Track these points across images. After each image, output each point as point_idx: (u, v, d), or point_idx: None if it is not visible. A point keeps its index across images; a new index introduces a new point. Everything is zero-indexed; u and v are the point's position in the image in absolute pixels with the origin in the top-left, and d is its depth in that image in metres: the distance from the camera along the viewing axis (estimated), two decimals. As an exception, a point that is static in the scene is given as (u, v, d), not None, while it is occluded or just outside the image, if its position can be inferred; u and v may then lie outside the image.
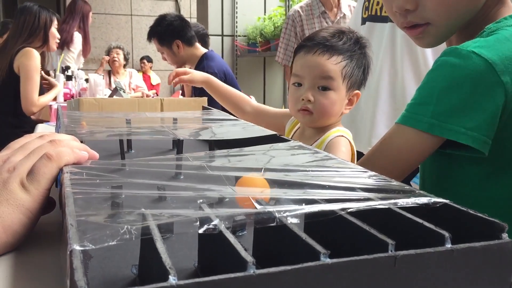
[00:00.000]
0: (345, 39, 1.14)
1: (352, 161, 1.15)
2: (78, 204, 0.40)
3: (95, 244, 0.32)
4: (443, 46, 0.99)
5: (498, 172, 0.88)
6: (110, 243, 0.33)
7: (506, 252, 0.37)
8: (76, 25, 4.29)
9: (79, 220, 0.36)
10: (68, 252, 0.31)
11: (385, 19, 1.68)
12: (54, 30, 2.82)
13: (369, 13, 1.73)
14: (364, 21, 1.76)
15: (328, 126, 1.19)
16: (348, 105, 1.18)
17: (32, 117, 2.74)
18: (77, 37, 4.28)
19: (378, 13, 1.70)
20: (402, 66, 1.64)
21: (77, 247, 0.31)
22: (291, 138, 1.27)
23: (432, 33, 0.90)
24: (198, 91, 2.64)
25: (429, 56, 1.62)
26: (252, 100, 1.52)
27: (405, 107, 0.90)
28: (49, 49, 2.86)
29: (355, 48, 1.15)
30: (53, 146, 0.55)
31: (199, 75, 1.51)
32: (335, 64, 1.11)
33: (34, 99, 2.64)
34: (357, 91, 1.17)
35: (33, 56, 2.63)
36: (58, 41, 2.95)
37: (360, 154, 1.67)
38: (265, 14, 4.92)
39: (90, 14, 4.50)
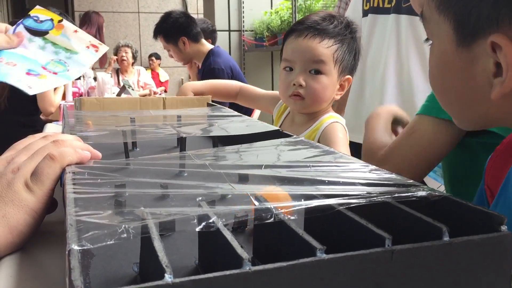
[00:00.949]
0: (336, 22, 1.13)
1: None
2: (78, 203, 0.41)
3: (93, 243, 0.33)
4: None
5: None
6: (108, 243, 0.33)
7: (505, 245, 0.36)
8: (93, 32, 4.36)
9: (79, 220, 0.36)
10: (67, 252, 0.32)
11: (387, 11, 1.66)
12: None
13: (371, 4, 1.71)
14: (366, 13, 1.75)
15: (318, 112, 1.18)
16: (339, 91, 1.16)
17: (42, 117, 2.76)
18: None
19: (380, 5, 1.68)
20: (408, 57, 1.62)
21: (75, 247, 0.32)
22: (280, 125, 1.27)
23: None
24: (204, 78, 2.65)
25: None
26: (238, 87, 1.53)
27: (425, 98, 0.88)
28: None
29: (346, 32, 1.13)
30: (56, 146, 0.56)
31: (189, 93, 1.48)
32: (326, 48, 1.10)
33: (52, 100, 2.65)
34: (348, 76, 1.15)
35: None
36: None
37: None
38: (271, 8, 4.90)
39: (104, 25, 4.57)
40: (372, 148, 0.94)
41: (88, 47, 0.95)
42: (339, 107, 1.96)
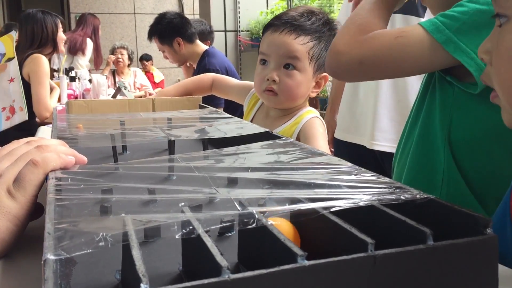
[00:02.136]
0: (314, 19, 1.11)
1: (329, 140, 1.13)
2: (58, 210, 0.40)
3: (69, 252, 0.32)
4: None
5: None
6: (86, 251, 0.32)
7: (491, 247, 0.36)
8: (89, 33, 4.36)
9: (57, 228, 0.36)
10: (42, 262, 0.31)
11: None
12: (61, 33, 2.82)
13: None
14: None
15: (295, 107, 1.16)
16: (315, 88, 1.15)
17: (37, 119, 2.75)
18: (89, 44, 4.34)
19: None
20: None
21: (51, 257, 0.31)
22: (252, 118, 1.26)
23: None
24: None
25: None
26: (210, 80, 1.48)
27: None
28: (58, 52, 2.87)
29: (324, 29, 1.12)
30: (39, 151, 0.55)
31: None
32: (301, 44, 1.09)
33: (47, 104, 2.65)
34: (324, 74, 1.14)
35: (42, 62, 2.63)
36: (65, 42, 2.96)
37: (362, 148, 1.66)
38: (267, 8, 4.90)
39: (100, 27, 4.57)
40: (360, 26, 0.89)
41: (3, 109, 0.94)
42: (332, 107, 1.95)
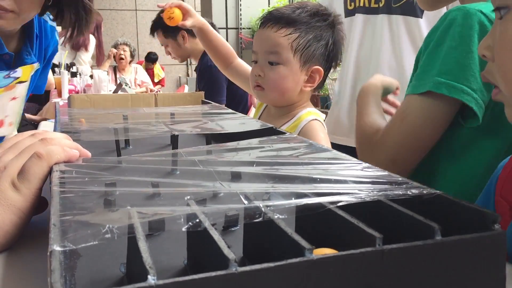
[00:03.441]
0: (300, 11, 1.08)
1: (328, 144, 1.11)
2: (63, 203, 0.40)
3: (76, 244, 0.32)
4: None
5: None
6: (92, 243, 0.32)
7: (499, 243, 0.36)
8: (91, 30, 4.35)
9: (63, 220, 0.36)
10: (48, 253, 0.31)
11: (375, 10, 1.66)
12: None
13: (356, 5, 1.71)
14: (351, 12, 1.71)
15: (293, 105, 1.14)
16: (308, 82, 1.11)
17: (35, 117, 2.74)
18: (92, 40, 4.34)
19: (367, 4, 1.68)
20: (401, 57, 1.61)
21: (57, 248, 0.31)
22: (260, 116, 1.25)
23: None
24: (201, 85, 2.64)
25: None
26: (237, 59, 1.48)
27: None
28: None
29: (311, 20, 1.08)
30: (43, 144, 0.55)
31: (194, 22, 1.41)
32: (283, 37, 1.06)
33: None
34: (317, 66, 1.10)
35: None
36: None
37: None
38: (269, 6, 4.89)
39: (102, 24, 4.55)
40: (366, 132, 0.92)
41: None
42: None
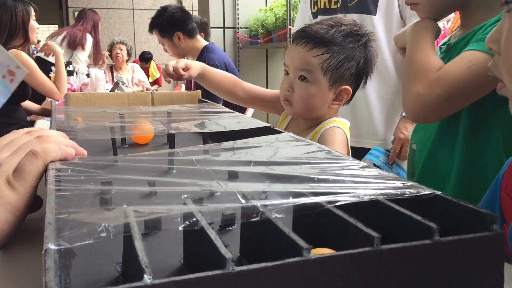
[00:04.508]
0: (334, 30, 1.09)
1: (347, 152, 1.11)
2: (59, 201, 0.39)
3: (71, 243, 0.31)
4: None
5: None
6: (87, 242, 0.32)
7: (497, 244, 0.36)
8: (89, 29, 4.34)
9: (58, 218, 0.35)
10: (43, 252, 0.30)
11: (334, 11, 1.72)
12: (33, 23, 2.65)
13: (319, 6, 1.77)
14: (315, 15, 1.82)
15: (320, 118, 1.15)
16: (336, 100, 1.12)
17: (29, 117, 2.71)
18: (89, 39, 4.32)
19: (327, 6, 1.74)
20: None
21: (52, 246, 0.31)
22: (285, 127, 1.25)
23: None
24: (199, 84, 2.63)
25: None
26: (244, 83, 1.41)
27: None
28: (30, 43, 2.75)
29: (345, 41, 1.09)
30: (39, 142, 0.54)
31: (196, 70, 1.35)
32: (314, 56, 1.07)
33: (51, 88, 2.61)
34: (345, 86, 1.11)
35: (21, 55, 2.55)
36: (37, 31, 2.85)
37: (359, 149, 1.69)
38: (266, 6, 4.89)
39: (100, 23, 4.54)
40: (425, 66, 0.96)
41: (4, 76, 0.93)
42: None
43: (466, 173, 0.99)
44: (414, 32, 1.03)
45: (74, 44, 4.19)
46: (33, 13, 2.68)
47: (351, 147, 1.60)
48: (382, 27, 1.64)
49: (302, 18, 1.91)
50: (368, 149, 1.68)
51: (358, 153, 1.67)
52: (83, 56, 4.33)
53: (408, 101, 0.96)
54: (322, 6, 1.75)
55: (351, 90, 1.12)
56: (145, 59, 6.42)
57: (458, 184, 1.00)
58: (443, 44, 1.12)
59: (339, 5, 1.69)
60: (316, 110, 1.12)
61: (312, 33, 1.08)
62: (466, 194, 0.98)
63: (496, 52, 0.64)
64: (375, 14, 1.64)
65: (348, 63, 1.09)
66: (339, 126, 1.12)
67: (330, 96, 1.11)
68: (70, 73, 3.11)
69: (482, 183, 0.87)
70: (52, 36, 4.20)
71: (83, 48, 4.28)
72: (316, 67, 1.07)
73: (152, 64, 6.49)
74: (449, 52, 1.05)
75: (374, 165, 1.45)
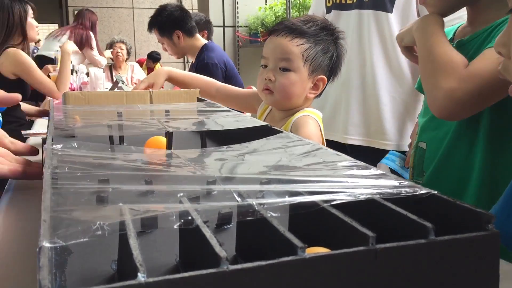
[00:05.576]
0: (311, 24, 1.17)
1: (322, 141, 1.16)
2: (55, 199, 0.39)
3: (66, 240, 0.31)
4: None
5: None
6: (83, 240, 0.32)
7: (493, 244, 0.36)
8: (88, 27, 4.34)
9: (53, 216, 0.35)
10: (37, 249, 0.30)
11: (349, 6, 1.69)
12: (31, 20, 2.65)
13: (334, 1, 1.74)
14: (329, 9, 1.78)
15: (295, 109, 1.20)
16: (313, 89, 1.19)
17: (28, 117, 2.71)
18: (92, 36, 4.33)
19: (343, 1, 1.71)
20: (371, 53, 1.65)
21: (46, 244, 0.31)
22: (264, 119, 1.28)
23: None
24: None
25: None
26: (218, 83, 1.56)
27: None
28: (29, 40, 2.74)
29: (321, 34, 1.17)
30: None
31: (161, 78, 1.56)
32: (296, 46, 1.14)
33: (51, 87, 2.60)
34: (322, 76, 1.18)
35: (20, 54, 2.54)
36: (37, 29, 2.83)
37: (333, 143, 1.68)
38: (266, 4, 4.89)
39: (98, 22, 4.54)
40: (450, 61, 0.94)
41: None
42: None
43: (489, 173, 0.98)
44: (425, 27, 1.02)
45: (82, 45, 4.19)
46: (30, 11, 2.67)
47: (360, 146, 1.62)
48: (397, 25, 1.60)
49: (316, 13, 1.87)
50: (377, 150, 1.66)
51: (367, 153, 1.66)
52: (94, 53, 4.34)
53: (438, 96, 0.94)
54: (338, 1, 1.73)
55: (326, 80, 1.19)
56: (153, 58, 6.40)
57: (481, 184, 0.98)
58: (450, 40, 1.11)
59: (354, 0, 1.67)
60: (295, 98, 1.18)
61: (291, 25, 1.17)
62: (489, 194, 0.96)
63: (506, 55, 0.64)
64: (391, 12, 1.61)
65: (324, 55, 1.18)
66: (310, 115, 1.18)
67: (309, 85, 1.18)
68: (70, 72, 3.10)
69: (507, 183, 0.86)
70: (56, 36, 4.16)
71: (91, 47, 4.27)
72: (297, 56, 1.14)
73: (158, 65, 6.48)
74: (463, 48, 1.02)
75: (391, 169, 1.43)
